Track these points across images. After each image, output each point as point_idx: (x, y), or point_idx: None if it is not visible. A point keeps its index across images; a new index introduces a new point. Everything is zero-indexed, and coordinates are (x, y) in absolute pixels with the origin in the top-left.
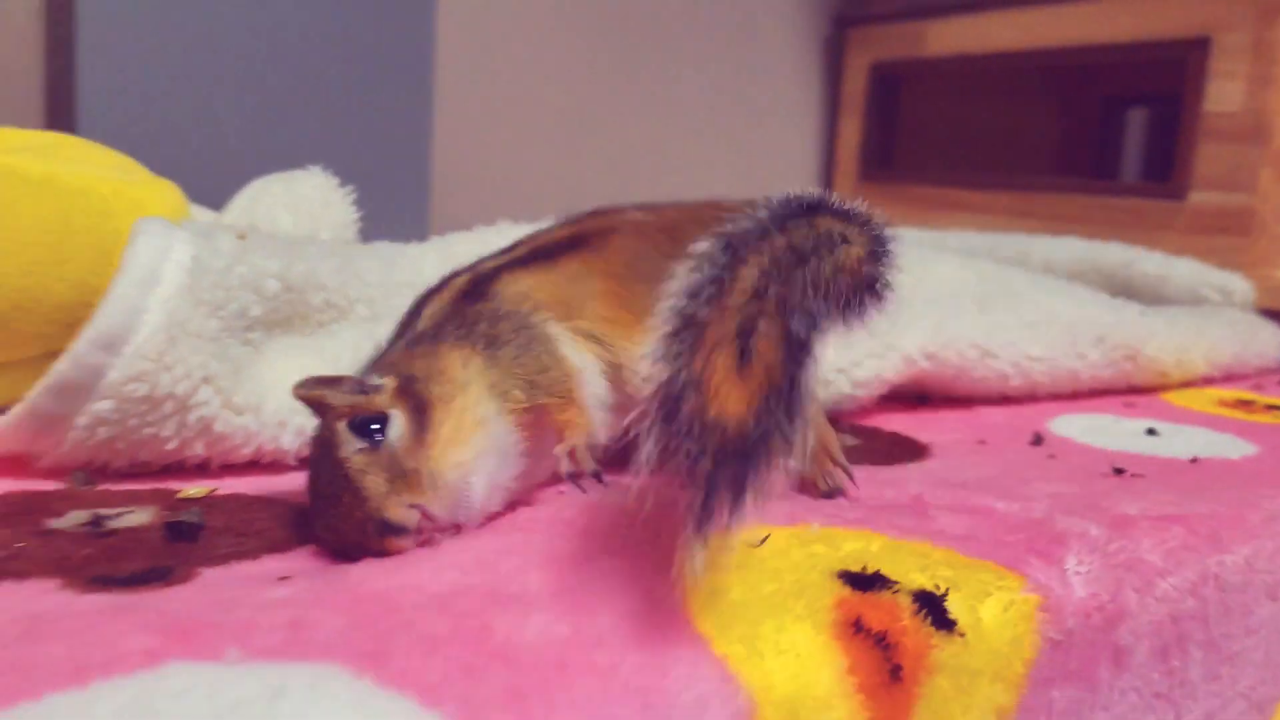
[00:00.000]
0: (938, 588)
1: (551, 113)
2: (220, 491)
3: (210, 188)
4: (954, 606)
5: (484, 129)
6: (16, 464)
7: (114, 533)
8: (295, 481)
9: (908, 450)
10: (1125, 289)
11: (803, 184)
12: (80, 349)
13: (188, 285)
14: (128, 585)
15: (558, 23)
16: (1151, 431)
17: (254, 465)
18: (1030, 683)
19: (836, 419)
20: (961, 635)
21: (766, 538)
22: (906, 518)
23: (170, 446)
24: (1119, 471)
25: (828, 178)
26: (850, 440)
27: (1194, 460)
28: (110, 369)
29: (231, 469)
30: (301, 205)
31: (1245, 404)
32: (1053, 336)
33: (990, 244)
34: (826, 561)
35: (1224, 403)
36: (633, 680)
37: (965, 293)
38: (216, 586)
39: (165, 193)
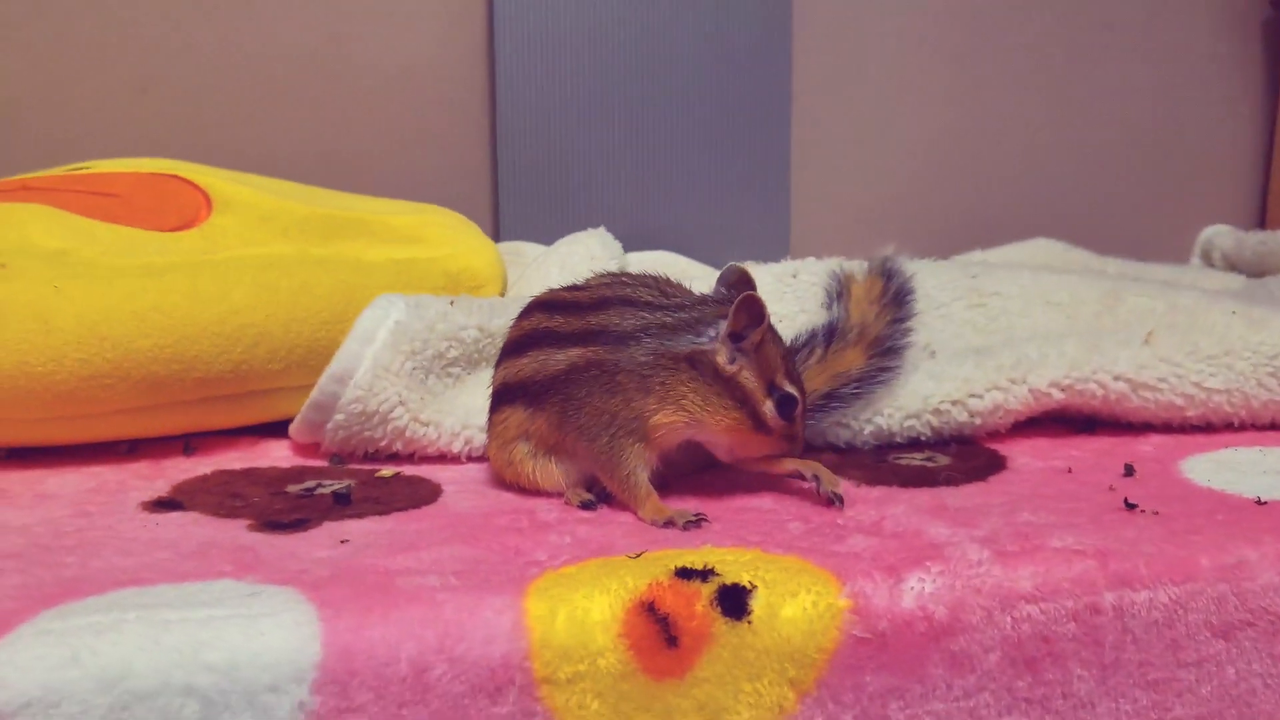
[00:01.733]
0: (750, 584)
1: (924, 126)
2: (404, 474)
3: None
4: (757, 601)
5: (842, 146)
6: (311, 449)
7: (314, 496)
8: (456, 470)
9: (976, 473)
10: None
11: (1238, 175)
12: (323, 382)
13: (390, 341)
14: (278, 529)
15: (926, 26)
16: None
17: (442, 458)
18: (831, 666)
19: (949, 440)
20: (750, 623)
21: (641, 554)
22: (819, 538)
23: (382, 444)
24: (1131, 506)
25: (1265, 167)
26: (942, 459)
27: (1259, 502)
28: (341, 395)
29: (427, 459)
30: (568, 261)
31: None
32: (1241, 369)
33: None
34: (676, 562)
35: None
36: (449, 613)
37: (1144, 324)
38: (316, 536)
39: (477, 257)
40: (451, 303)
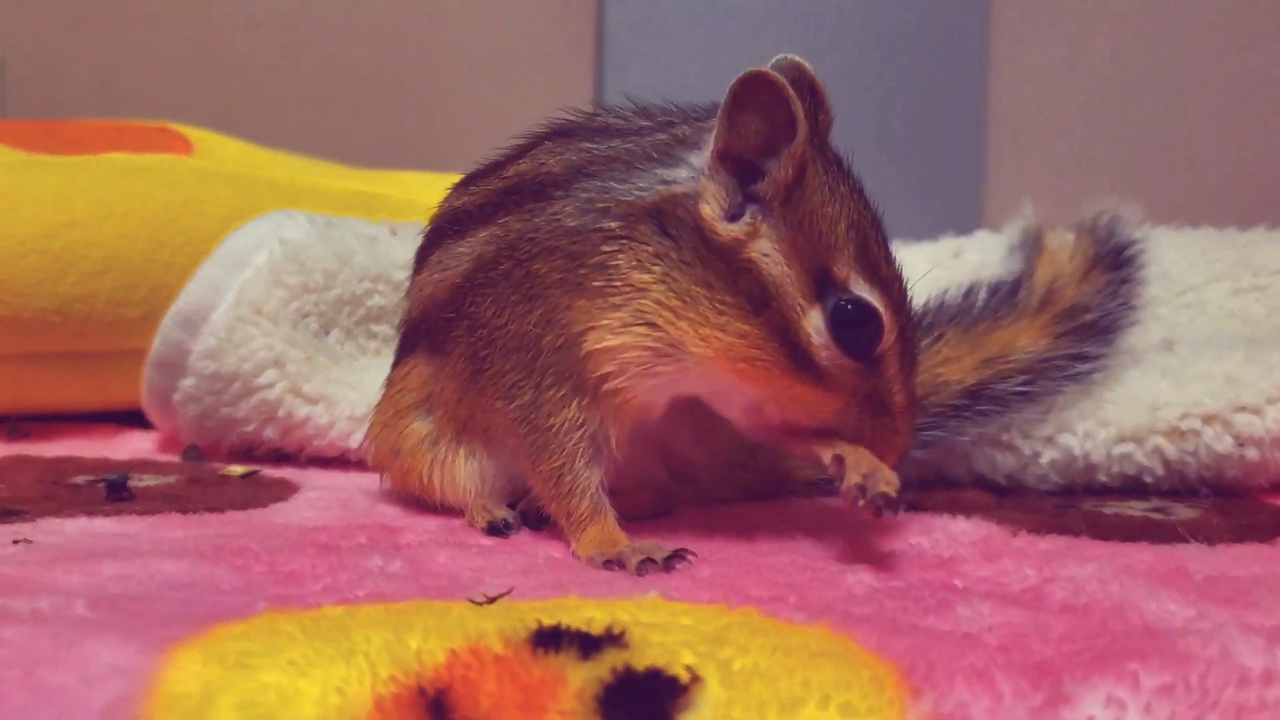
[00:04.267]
0: (690, 675)
1: (1175, 61)
2: (266, 474)
3: None
4: (699, 711)
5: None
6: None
7: (85, 489)
8: (345, 477)
9: (1252, 532)
10: None
11: None
12: (166, 325)
13: (269, 268)
14: None
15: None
16: None
17: (344, 460)
18: None
19: (1198, 487)
20: None
21: (499, 597)
22: (900, 601)
23: (248, 429)
24: None
25: None
26: (1185, 512)
27: None
28: (192, 346)
29: (323, 460)
30: None
31: None
32: None
33: None
34: (546, 615)
35: None
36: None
37: None
38: None
39: None
40: (394, 232)
